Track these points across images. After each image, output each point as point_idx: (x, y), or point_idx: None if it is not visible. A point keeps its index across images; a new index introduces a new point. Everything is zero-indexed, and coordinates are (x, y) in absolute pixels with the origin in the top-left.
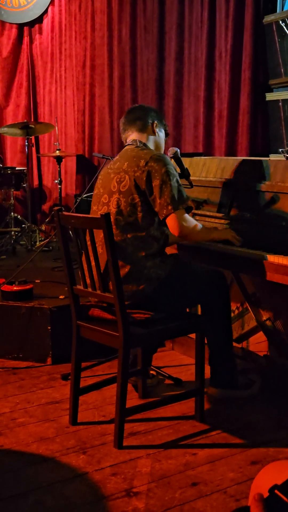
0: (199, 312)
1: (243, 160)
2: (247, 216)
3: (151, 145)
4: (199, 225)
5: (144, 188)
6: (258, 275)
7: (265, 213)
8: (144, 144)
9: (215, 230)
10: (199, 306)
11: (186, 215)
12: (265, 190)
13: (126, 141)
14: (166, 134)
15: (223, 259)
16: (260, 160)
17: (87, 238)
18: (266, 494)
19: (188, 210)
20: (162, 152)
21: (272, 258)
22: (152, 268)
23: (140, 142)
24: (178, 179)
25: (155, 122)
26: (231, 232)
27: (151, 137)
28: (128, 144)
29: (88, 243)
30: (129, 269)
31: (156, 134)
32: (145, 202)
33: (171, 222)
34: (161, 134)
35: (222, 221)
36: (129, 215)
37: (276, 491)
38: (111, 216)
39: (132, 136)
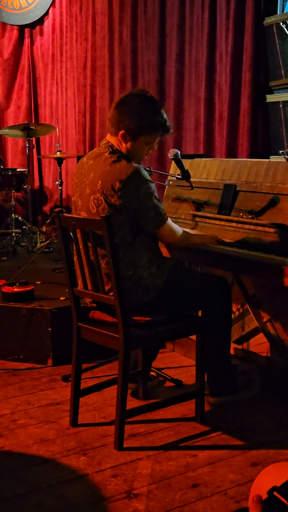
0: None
1: (244, 161)
2: (248, 218)
3: (124, 150)
4: (180, 231)
5: (122, 210)
6: (258, 277)
7: (265, 214)
8: (117, 150)
9: (194, 235)
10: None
11: (169, 225)
12: (265, 191)
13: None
14: (166, 130)
15: (223, 261)
16: (261, 162)
17: (85, 239)
18: (265, 496)
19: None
20: (141, 158)
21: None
22: (149, 278)
23: (112, 146)
24: (155, 192)
25: (122, 132)
26: (209, 238)
27: (122, 144)
28: (102, 147)
29: (89, 244)
30: (126, 283)
31: (125, 142)
32: (127, 219)
33: (160, 237)
34: (134, 143)
35: (223, 222)
36: (118, 236)
37: (274, 493)
38: None
39: (107, 136)
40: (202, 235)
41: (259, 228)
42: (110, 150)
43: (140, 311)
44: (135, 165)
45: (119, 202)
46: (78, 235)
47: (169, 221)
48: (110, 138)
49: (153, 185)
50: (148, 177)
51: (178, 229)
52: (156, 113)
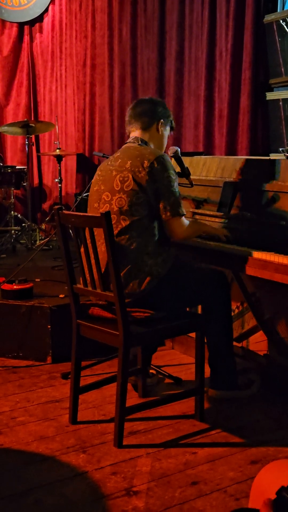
0: (199, 312)
1: (244, 159)
2: (247, 216)
3: (153, 144)
4: (194, 227)
5: (147, 188)
6: (258, 275)
7: (265, 212)
8: (146, 143)
9: (205, 224)
10: (199, 306)
11: (183, 220)
12: (265, 189)
13: (129, 134)
14: (172, 128)
15: (222, 258)
16: (261, 160)
17: (87, 236)
18: (270, 495)
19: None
20: (164, 149)
21: (272, 257)
22: (153, 266)
23: (142, 140)
24: (177, 181)
25: (161, 121)
26: (220, 230)
27: (155, 135)
28: (130, 142)
29: (89, 241)
30: (130, 267)
31: (160, 132)
32: (148, 201)
33: (170, 227)
34: (165, 132)
35: (222, 220)
36: (132, 214)
37: (284, 494)
38: (114, 215)
39: (135, 133)
40: (214, 228)
41: (259, 225)
42: (138, 142)
43: (141, 303)
44: (163, 153)
45: (146, 178)
46: (87, 233)
47: (185, 219)
48: (138, 134)
49: (174, 174)
50: (172, 167)
51: (192, 226)
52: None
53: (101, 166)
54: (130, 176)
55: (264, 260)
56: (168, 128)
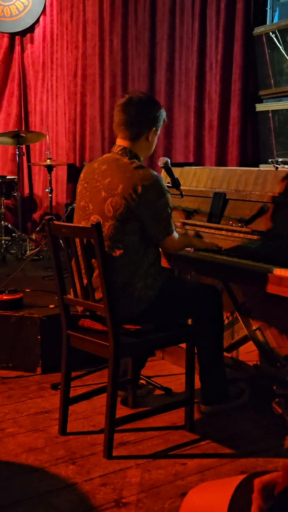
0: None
1: (234, 170)
2: (237, 226)
3: (142, 153)
4: (183, 240)
5: (140, 216)
6: (248, 285)
7: (254, 223)
8: (135, 155)
9: (187, 238)
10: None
11: (174, 236)
12: (255, 200)
13: (116, 137)
14: (165, 119)
15: (212, 269)
16: (250, 170)
17: (78, 247)
18: None
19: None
20: (151, 152)
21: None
22: (143, 289)
23: (131, 152)
24: (170, 204)
25: (154, 128)
26: (200, 240)
27: (144, 145)
28: (117, 153)
29: (79, 252)
30: (119, 293)
31: (150, 140)
32: (141, 228)
33: (165, 247)
34: (156, 137)
35: (212, 230)
36: (126, 243)
37: None
38: (109, 242)
39: (122, 142)
40: (203, 241)
41: (249, 236)
42: (129, 155)
43: (131, 321)
44: (157, 174)
45: (139, 206)
46: (77, 244)
47: (175, 233)
48: (123, 143)
49: (169, 196)
50: (166, 189)
51: (181, 239)
52: (160, 108)
53: (85, 175)
54: (124, 204)
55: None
56: (158, 132)
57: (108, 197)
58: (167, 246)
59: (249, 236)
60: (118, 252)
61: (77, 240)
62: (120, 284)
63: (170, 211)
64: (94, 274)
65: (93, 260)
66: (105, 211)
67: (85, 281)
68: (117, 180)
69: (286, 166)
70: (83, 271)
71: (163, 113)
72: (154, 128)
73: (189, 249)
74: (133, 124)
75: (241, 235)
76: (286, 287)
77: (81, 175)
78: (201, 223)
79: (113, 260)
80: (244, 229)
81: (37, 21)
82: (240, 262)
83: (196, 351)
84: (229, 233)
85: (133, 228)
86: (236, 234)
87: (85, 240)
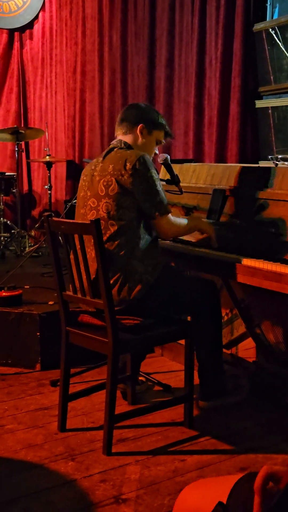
0: (189, 318)
1: (233, 166)
2: (237, 223)
3: (137, 147)
4: (183, 222)
5: (132, 190)
6: (247, 282)
7: (254, 219)
8: (129, 146)
9: (190, 220)
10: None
11: (170, 217)
12: (255, 196)
13: (116, 137)
14: (168, 135)
15: (211, 265)
16: (250, 167)
17: (77, 243)
18: None
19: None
20: (150, 156)
21: (263, 265)
22: (143, 274)
23: (125, 143)
24: (160, 182)
25: (141, 125)
26: (204, 224)
27: (136, 140)
28: (112, 144)
29: (78, 248)
30: (120, 274)
31: (141, 137)
32: (134, 204)
33: (158, 226)
34: (149, 137)
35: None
36: (120, 218)
37: (220, 509)
38: (103, 221)
39: (118, 136)
40: (200, 222)
41: (248, 232)
42: (122, 145)
43: (130, 311)
44: (144, 153)
45: (130, 181)
46: (76, 240)
47: (171, 215)
48: (121, 137)
49: (156, 173)
50: (153, 166)
51: (181, 221)
52: (161, 116)
53: (85, 171)
54: (114, 180)
55: (253, 267)
56: (155, 134)
57: (100, 178)
58: (162, 228)
59: (248, 233)
60: (112, 229)
61: (76, 236)
62: (120, 266)
63: (160, 188)
64: (93, 270)
65: (92, 256)
66: (98, 191)
67: (84, 277)
68: (108, 162)
69: (285, 163)
70: (82, 267)
71: (162, 121)
72: (144, 124)
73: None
74: (126, 118)
75: (241, 231)
76: (286, 284)
77: (83, 171)
78: None
79: (110, 240)
80: (244, 225)
81: (36, 17)
82: (239, 259)
83: (194, 347)
84: (229, 230)
85: (126, 203)
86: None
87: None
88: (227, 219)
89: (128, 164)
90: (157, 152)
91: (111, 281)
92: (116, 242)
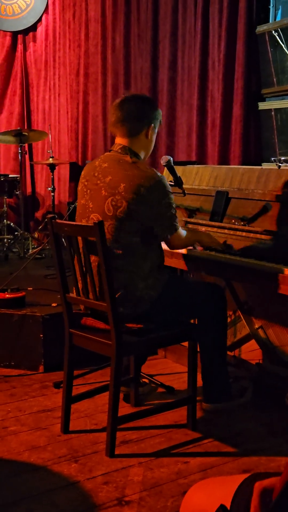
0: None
1: (236, 168)
2: (240, 225)
3: (141, 151)
4: (189, 236)
5: (142, 216)
6: (251, 283)
7: (257, 221)
8: (135, 154)
9: (195, 234)
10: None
11: (180, 232)
12: (257, 198)
13: (114, 135)
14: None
15: (217, 268)
16: (253, 169)
17: (80, 245)
18: None
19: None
20: (150, 152)
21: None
22: (144, 289)
23: (131, 150)
24: (174, 204)
25: (152, 125)
26: (209, 236)
27: (143, 142)
28: (117, 151)
29: (81, 250)
30: (121, 293)
31: (149, 137)
32: (143, 228)
33: (170, 243)
34: (154, 136)
35: (215, 229)
36: (125, 242)
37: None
38: (107, 241)
39: (121, 140)
40: (209, 236)
41: (251, 235)
42: (129, 153)
43: (133, 320)
44: (160, 174)
45: (141, 208)
46: (79, 242)
47: (181, 229)
48: (122, 141)
49: (172, 196)
50: (170, 188)
51: (184, 232)
52: (156, 107)
53: (86, 174)
54: (125, 204)
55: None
56: (156, 130)
57: (108, 196)
58: (174, 244)
59: (251, 235)
60: (117, 252)
61: (80, 238)
62: (121, 284)
63: (174, 211)
64: (96, 272)
65: (95, 258)
66: (105, 210)
67: (87, 279)
68: (118, 178)
69: None
70: (85, 269)
71: (160, 113)
72: (153, 125)
73: (199, 248)
74: (131, 119)
75: (244, 233)
76: None
77: (82, 173)
78: (204, 222)
79: (113, 260)
80: (246, 227)
81: (40, 19)
82: (249, 262)
83: (198, 350)
84: (232, 232)
85: (133, 228)
86: (238, 233)
87: (88, 238)
88: (231, 221)
89: (142, 189)
90: None
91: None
92: (118, 264)
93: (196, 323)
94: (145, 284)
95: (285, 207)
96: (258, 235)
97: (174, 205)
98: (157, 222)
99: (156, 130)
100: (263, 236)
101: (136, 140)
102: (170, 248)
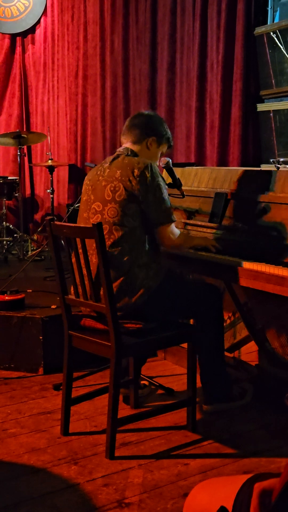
0: (191, 322)
1: (235, 170)
2: (239, 226)
3: (142, 156)
4: (179, 233)
5: (139, 197)
6: (250, 285)
7: (256, 223)
8: (135, 154)
9: (195, 237)
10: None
11: (173, 227)
12: (256, 200)
13: (121, 144)
14: (169, 147)
15: (215, 269)
16: (252, 170)
17: (79, 247)
18: None
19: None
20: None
21: (265, 268)
22: (145, 279)
23: (132, 151)
24: (165, 189)
25: (152, 138)
26: (210, 240)
27: (144, 150)
28: (119, 151)
29: (80, 252)
30: (121, 280)
31: (151, 149)
32: (140, 211)
33: (161, 235)
34: (157, 150)
35: (214, 230)
36: (125, 225)
37: None
38: (107, 225)
39: (126, 144)
40: (204, 238)
41: (250, 236)
42: (127, 152)
43: (132, 315)
44: (152, 162)
45: (137, 187)
46: (78, 244)
47: (174, 226)
48: (129, 146)
49: (164, 185)
50: (161, 176)
51: (178, 232)
52: (168, 130)
53: (89, 175)
54: (121, 186)
55: (255, 270)
56: (161, 147)
57: (107, 184)
58: (164, 237)
59: (250, 236)
60: (117, 235)
61: (78, 240)
62: (123, 271)
63: (167, 196)
64: (95, 273)
65: (94, 260)
66: (104, 196)
67: (86, 281)
68: (116, 168)
69: (287, 166)
70: (84, 271)
71: (169, 134)
72: (155, 137)
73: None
74: (136, 128)
75: (243, 234)
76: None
77: (86, 176)
78: (203, 223)
79: (115, 246)
80: (246, 228)
81: (38, 22)
82: (241, 262)
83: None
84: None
85: (131, 210)
86: (237, 234)
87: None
88: (229, 223)
89: (136, 170)
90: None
91: (113, 286)
92: (119, 248)
93: (192, 322)
94: (145, 274)
95: (282, 208)
96: (257, 236)
97: (165, 191)
98: (154, 204)
99: (161, 147)
100: (262, 237)
101: (138, 146)
102: (161, 244)
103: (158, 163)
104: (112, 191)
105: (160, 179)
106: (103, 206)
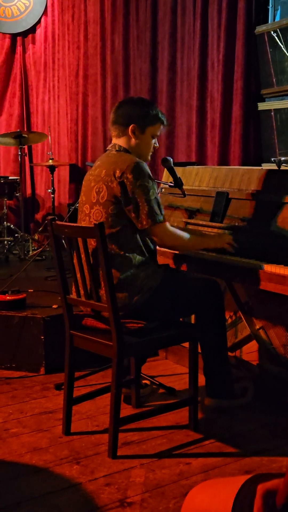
0: (193, 321)
1: (236, 169)
2: (240, 225)
3: (132, 150)
4: (185, 235)
5: (120, 199)
6: (252, 284)
7: (257, 222)
8: (125, 149)
9: (210, 237)
10: (192, 315)
11: (168, 227)
12: (258, 199)
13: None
14: (163, 123)
15: (216, 268)
16: (253, 169)
17: (80, 247)
18: None
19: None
20: (146, 155)
21: (266, 267)
22: (145, 279)
23: (120, 147)
24: (155, 190)
25: (133, 125)
26: (226, 239)
27: (131, 141)
28: (108, 148)
29: (82, 252)
30: (121, 280)
31: (135, 138)
32: (123, 212)
33: (154, 235)
34: (143, 136)
35: (215, 230)
36: (110, 226)
37: None
38: None
39: (113, 139)
40: (218, 238)
41: (252, 235)
42: (115, 149)
43: (133, 314)
44: (139, 160)
45: (118, 189)
46: (79, 244)
47: (168, 224)
48: (116, 141)
49: (152, 182)
50: (149, 173)
51: (182, 234)
52: (154, 106)
53: (86, 175)
54: (104, 187)
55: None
56: (149, 130)
57: (94, 185)
58: (157, 237)
59: (252, 235)
60: (112, 233)
61: (80, 240)
62: (122, 273)
63: (154, 197)
64: (96, 273)
65: (95, 259)
66: (91, 197)
67: (87, 280)
68: (102, 167)
69: None
70: (85, 271)
71: (154, 112)
72: (135, 124)
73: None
74: (115, 121)
75: (245, 234)
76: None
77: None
78: (204, 223)
79: (111, 242)
80: (246, 227)
81: (39, 21)
82: (243, 261)
83: (199, 350)
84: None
85: (115, 211)
86: (239, 233)
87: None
88: (231, 222)
89: (117, 171)
90: (157, 144)
91: (115, 286)
92: (110, 248)
93: (194, 318)
94: (145, 274)
95: (282, 207)
96: (258, 236)
97: (153, 191)
98: (134, 206)
99: (146, 131)
100: (263, 237)
101: (123, 139)
102: (159, 244)
103: (152, 150)
104: (97, 192)
105: (145, 179)
106: (90, 208)
